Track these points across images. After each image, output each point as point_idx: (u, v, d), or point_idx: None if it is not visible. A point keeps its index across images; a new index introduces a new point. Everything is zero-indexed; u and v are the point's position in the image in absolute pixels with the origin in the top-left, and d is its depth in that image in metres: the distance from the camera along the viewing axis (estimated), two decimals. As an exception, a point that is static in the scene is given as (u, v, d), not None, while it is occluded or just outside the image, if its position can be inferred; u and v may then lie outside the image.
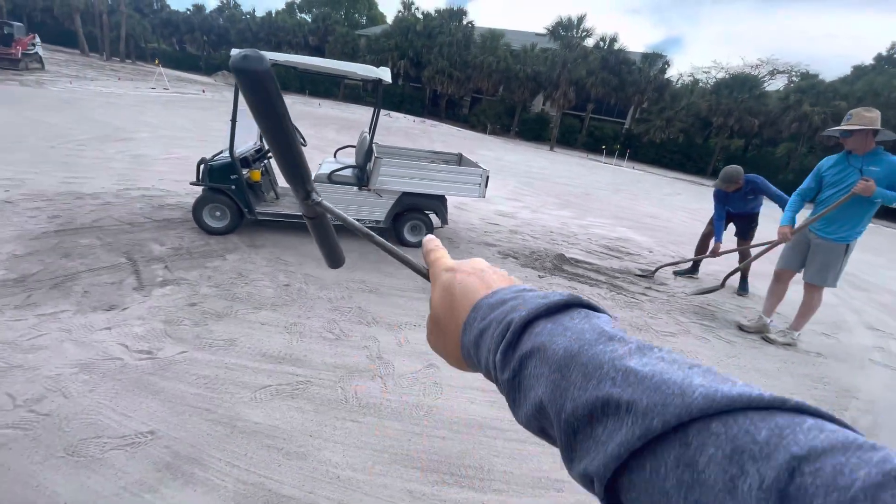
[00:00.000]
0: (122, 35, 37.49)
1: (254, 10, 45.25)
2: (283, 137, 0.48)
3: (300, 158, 0.51)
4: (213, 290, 3.01)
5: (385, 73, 3.80)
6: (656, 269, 4.91)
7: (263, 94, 0.44)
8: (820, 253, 3.36)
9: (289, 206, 4.33)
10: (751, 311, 4.21)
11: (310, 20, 42.14)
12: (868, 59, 33.12)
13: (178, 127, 9.67)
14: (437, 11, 34.26)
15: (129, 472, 1.63)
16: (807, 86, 28.54)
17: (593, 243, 5.89)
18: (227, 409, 2.00)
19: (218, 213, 3.93)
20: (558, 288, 4.02)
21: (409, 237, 4.40)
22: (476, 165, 4.64)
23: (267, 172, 4.60)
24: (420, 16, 34.81)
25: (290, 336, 2.61)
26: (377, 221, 4.25)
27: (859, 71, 32.14)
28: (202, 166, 3.85)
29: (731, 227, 4.70)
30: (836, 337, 4.05)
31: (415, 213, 4.37)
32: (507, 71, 31.90)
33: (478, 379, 2.50)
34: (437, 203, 4.41)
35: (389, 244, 0.50)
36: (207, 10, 45.90)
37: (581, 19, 28.13)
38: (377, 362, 2.50)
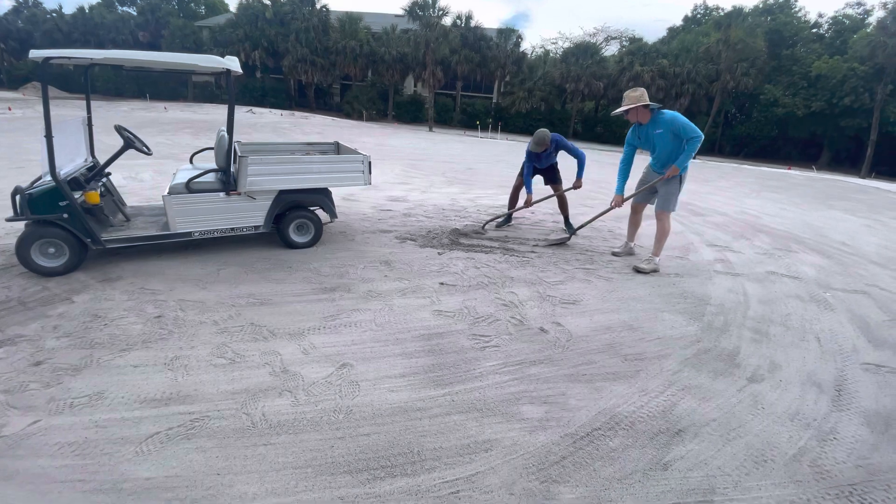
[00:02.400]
0: None
1: (60, 8, 37.00)
2: None
3: None
4: (63, 340, 2.51)
5: (233, 63, 3.43)
6: (484, 225, 5.38)
7: None
8: (663, 185, 4.12)
9: (143, 226, 3.75)
10: (619, 241, 4.77)
11: (135, 14, 36.44)
12: (678, 21, 39.09)
13: (-25, 154, 7.78)
14: (286, -4, 32.00)
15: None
16: (635, 48, 32.79)
17: (483, 214, 6.14)
18: (107, 472, 1.70)
19: (52, 250, 3.26)
20: (458, 262, 4.12)
21: (296, 238, 4.13)
22: (356, 152, 4.48)
23: (109, 192, 3.92)
24: (268, 2, 32.21)
25: (173, 372, 2.29)
26: (256, 227, 3.90)
27: (673, 32, 37.78)
28: (17, 197, 3.15)
29: (540, 179, 5.40)
30: (687, 258, 4.79)
31: (298, 212, 4.10)
32: (372, 54, 31.25)
33: (395, 366, 2.47)
34: (322, 197, 4.18)
35: None
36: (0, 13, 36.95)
37: (435, -2, 28.47)
38: (283, 376, 2.32)
